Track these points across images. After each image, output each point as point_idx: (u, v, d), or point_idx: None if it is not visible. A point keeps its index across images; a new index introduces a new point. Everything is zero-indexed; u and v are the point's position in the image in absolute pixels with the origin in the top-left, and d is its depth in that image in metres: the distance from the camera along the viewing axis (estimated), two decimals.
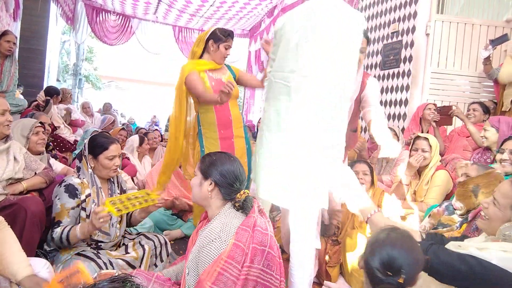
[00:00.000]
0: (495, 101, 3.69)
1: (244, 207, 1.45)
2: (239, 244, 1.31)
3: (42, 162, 2.28)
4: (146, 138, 4.00)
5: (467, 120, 3.14)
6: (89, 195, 1.91)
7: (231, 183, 1.48)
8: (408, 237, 1.17)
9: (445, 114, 3.28)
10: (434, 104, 3.52)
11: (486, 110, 3.32)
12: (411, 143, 2.65)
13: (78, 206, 1.88)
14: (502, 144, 2.26)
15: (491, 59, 3.53)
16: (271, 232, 1.43)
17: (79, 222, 1.88)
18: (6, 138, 2.06)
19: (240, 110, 2.65)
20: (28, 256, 1.64)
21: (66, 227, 1.80)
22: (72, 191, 1.86)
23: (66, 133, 4.26)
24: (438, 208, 2.08)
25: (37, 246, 1.91)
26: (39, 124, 2.45)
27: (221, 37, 2.47)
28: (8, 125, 2.02)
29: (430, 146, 2.53)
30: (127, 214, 2.12)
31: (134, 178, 3.53)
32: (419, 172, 2.60)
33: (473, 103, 3.40)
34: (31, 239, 1.80)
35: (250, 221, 1.39)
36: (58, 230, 1.79)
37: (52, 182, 2.22)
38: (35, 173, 2.17)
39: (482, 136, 2.65)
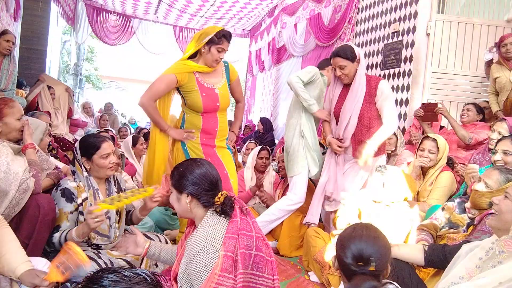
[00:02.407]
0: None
1: (225, 211, 1.40)
2: (228, 254, 1.29)
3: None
4: (141, 139, 3.88)
5: (451, 117, 3.15)
6: (85, 198, 1.88)
7: (206, 189, 1.43)
8: (372, 228, 1.25)
9: (430, 111, 3.29)
10: (423, 103, 3.53)
11: (480, 111, 3.32)
12: (419, 142, 2.60)
13: (76, 210, 1.86)
14: (495, 146, 2.22)
15: (494, 61, 3.52)
16: (256, 233, 1.40)
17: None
18: (18, 140, 2.05)
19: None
20: (36, 254, 1.66)
21: (64, 231, 1.79)
22: (68, 195, 1.84)
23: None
24: (452, 202, 2.01)
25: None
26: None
27: (214, 38, 2.23)
28: (22, 130, 2.00)
29: (438, 148, 2.48)
30: (127, 213, 2.11)
31: (134, 178, 3.53)
32: (424, 172, 2.58)
33: (468, 103, 3.40)
34: (41, 236, 1.79)
35: (234, 226, 1.36)
36: (56, 235, 1.78)
37: None
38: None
39: (491, 139, 2.50)
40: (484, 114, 3.37)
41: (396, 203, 2.16)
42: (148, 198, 1.89)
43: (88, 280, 0.78)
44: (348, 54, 2.45)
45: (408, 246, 1.86)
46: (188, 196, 1.43)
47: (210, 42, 2.24)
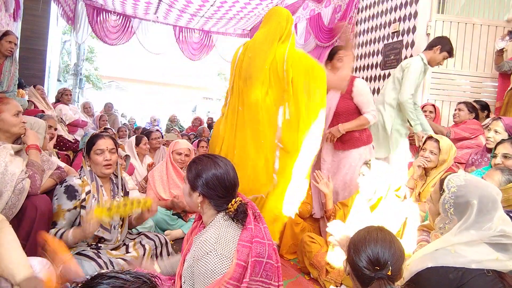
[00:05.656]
0: (493, 100, 3.69)
1: (238, 218, 1.36)
2: (241, 263, 1.27)
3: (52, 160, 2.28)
4: (145, 138, 3.88)
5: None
6: (89, 191, 1.90)
7: (220, 195, 1.38)
8: (386, 232, 1.23)
9: None
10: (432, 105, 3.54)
11: (472, 110, 3.33)
12: (423, 142, 2.59)
13: (75, 208, 1.86)
14: (495, 148, 2.21)
15: (505, 51, 3.50)
16: (268, 240, 1.38)
17: (79, 222, 1.88)
18: (19, 138, 2.05)
19: None
20: (34, 254, 1.64)
21: (59, 230, 1.79)
22: (71, 192, 1.85)
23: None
24: None
25: None
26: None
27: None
28: (23, 126, 2.00)
29: (440, 149, 2.43)
30: (128, 218, 2.11)
31: (133, 177, 3.53)
32: (426, 173, 2.57)
33: (460, 102, 3.40)
34: (39, 237, 1.80)
35: (248, 234, 1.33)
36: (52, 232, 1.78)
37: None
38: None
39: (488, 137, 2.53)
40: (478, 113, 3.36)
41: (388, 197, 2.17)
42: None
43: (85, 286, 0.76)
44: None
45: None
46: (200, 195, 1.40)
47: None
